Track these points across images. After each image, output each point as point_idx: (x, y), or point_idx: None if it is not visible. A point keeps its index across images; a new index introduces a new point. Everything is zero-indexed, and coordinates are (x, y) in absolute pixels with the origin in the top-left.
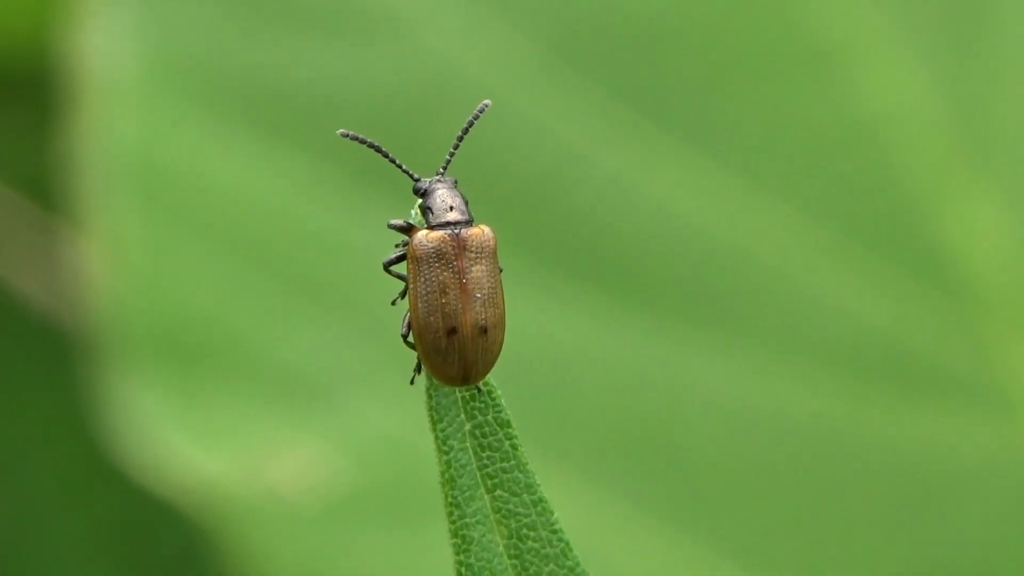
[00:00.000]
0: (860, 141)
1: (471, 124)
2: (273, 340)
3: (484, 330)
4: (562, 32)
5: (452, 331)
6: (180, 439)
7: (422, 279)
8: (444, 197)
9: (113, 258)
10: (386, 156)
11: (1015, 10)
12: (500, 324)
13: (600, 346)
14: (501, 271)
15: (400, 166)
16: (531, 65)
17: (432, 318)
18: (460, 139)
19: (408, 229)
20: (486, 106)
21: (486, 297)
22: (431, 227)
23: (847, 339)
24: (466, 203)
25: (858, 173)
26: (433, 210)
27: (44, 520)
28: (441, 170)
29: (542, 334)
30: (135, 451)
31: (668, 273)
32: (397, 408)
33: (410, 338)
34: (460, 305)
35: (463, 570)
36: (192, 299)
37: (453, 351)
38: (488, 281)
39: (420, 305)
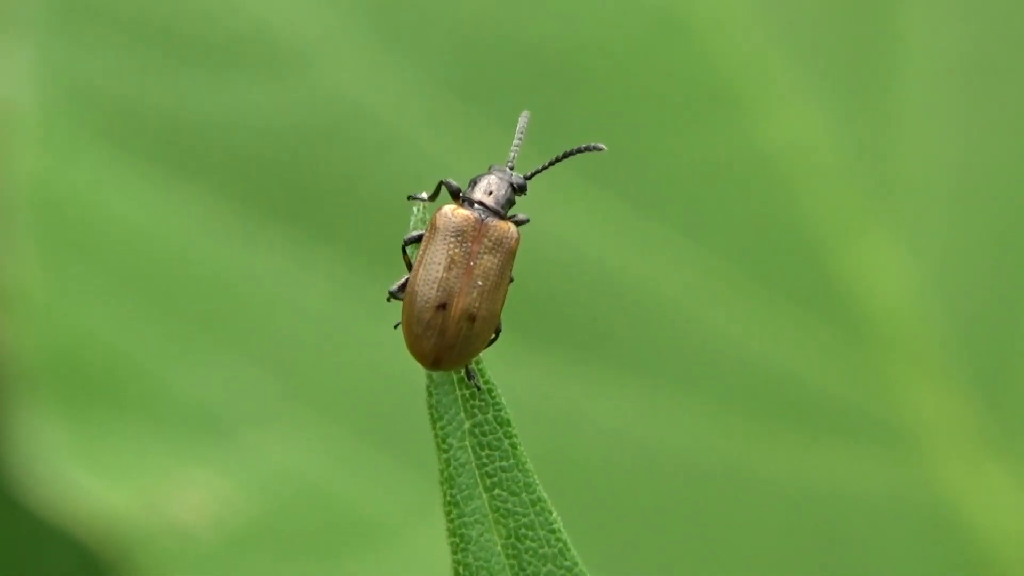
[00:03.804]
0: (762, 179)
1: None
2: (173, 374)
3: (473, 318)
4: (462, 69)
5: (442, 306)
6: (80, 472)
7: (433, 247)
8: (491, 181)
9: (13, 292)
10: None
11: (913, 51)
12: (490, 320)
13: (499, 380)
14: (512, 280)
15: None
16: (430, 102)
17: (428, 287)
18: (517, 143)
19: (456, 194)
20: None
21: (486, 289)
22: (462, 200)
23: (749, 377)
24: (509, 203)
25: (760, 211)
26: (474, 185)
27: None
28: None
29: None
30: (36, 484)
31: (568, 309)
32: (296, 442)
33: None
34: (459, 285)
35: (461, 569)
36: (92, 333)
37: (435, 327)
38: (495, 276)
39: (422, 271)
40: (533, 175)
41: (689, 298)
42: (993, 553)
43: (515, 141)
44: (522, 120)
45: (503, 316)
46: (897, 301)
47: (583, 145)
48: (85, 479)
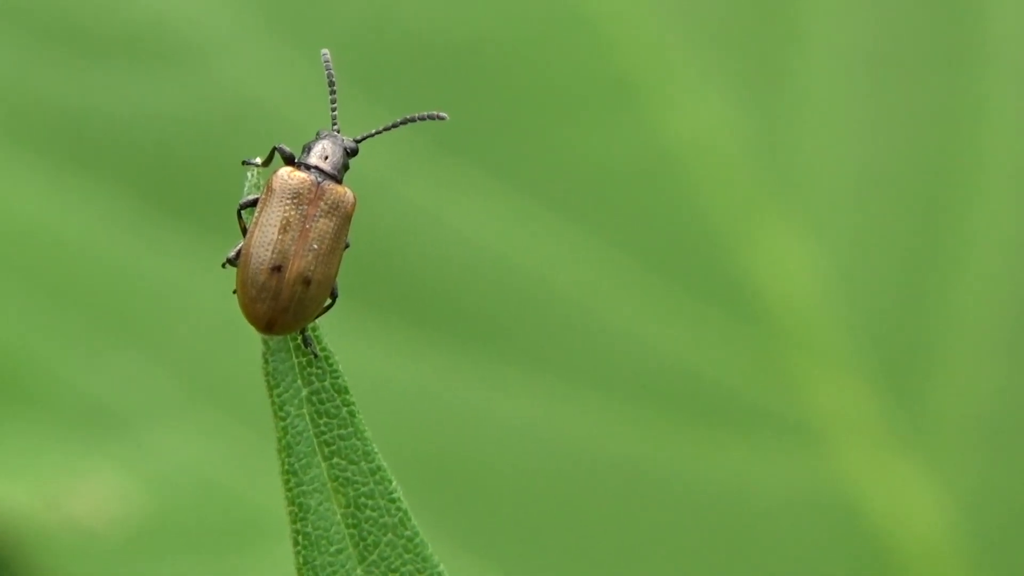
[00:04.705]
0: (665, 173)
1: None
2: (73, 371)
3: (307, 282)
4: (363, 62)
5: (277, 269)
6: None
7: (269, 210)
8: (326, 147)
9: None
10: (332, 95)
11: (815, 43)
12: (324, 284)
13: (398, 375)
14: (348, 246)
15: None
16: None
17: (263, 250)
18: (332, 91)
19: (290, 160)
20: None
21: (322, 252)
22: (298, 164)
23: (650, 372)
24: (344, 167)
25: (663, 205)
26: (309, 151)
27: None
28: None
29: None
30: None
31: (469, 303)
32: (196, 439)
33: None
34: (294, 248)
35: (300, 539)
36: None
37: (269, 289)
38: (330, 239)
39: (257, 234)
40: (364, 138)
41: (590, 292)
42: (898, 547)
43: (331, 97)
44: (326, 65)
45: (341, 283)
46: (801, 295)
47: (425, 113)
48: None
